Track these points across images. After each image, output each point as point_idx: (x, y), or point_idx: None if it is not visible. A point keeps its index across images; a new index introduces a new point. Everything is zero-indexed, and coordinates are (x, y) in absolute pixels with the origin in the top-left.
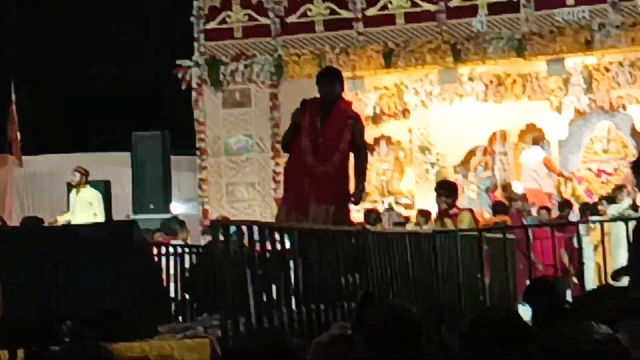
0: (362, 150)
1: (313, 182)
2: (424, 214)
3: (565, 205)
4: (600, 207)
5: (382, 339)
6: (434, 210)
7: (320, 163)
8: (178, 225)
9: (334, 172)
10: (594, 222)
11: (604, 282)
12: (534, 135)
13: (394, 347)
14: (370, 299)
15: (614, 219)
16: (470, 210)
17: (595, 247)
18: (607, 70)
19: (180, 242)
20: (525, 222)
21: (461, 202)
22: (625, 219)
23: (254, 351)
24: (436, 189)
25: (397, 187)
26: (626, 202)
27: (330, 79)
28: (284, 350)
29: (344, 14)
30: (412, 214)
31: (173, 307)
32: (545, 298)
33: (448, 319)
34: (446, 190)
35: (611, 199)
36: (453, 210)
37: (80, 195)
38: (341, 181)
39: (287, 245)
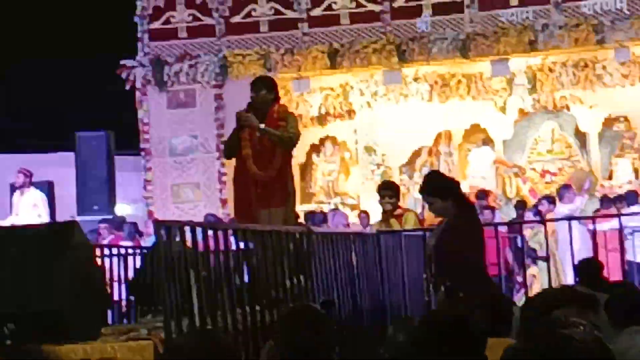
0: (288, 133)
1: (258, 189)
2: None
3: (521, 205)
4: (540, 207)
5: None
6: (377, 210)
7: (262, 169)
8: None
9: (275, 176)
10: (535, 222)
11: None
12: (484, 138)
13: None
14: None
15: (559, 219)
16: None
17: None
18: (551, 70)
19: (129, 243)
20: None
21: (406, 202)
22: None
23: (188, 351)
24: (379, 190)
25: (343, 187)
26: (578, 201)
27: (256, 87)
28: (218, 349)
29: (289, 14)
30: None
31: (118, 309)
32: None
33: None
34: (390, 190)
35: (552, 198)
36: (398, 211)
37: (24, 196)
38: (284, 183)
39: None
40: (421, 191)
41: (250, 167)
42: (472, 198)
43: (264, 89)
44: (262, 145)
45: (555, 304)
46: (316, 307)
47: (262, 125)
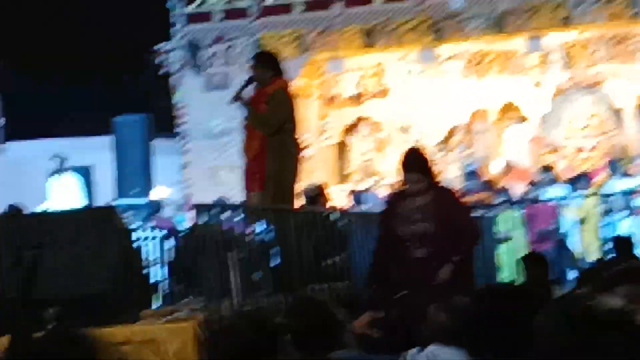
0: (265, 116)
1: (246, 170)
2: None
3: (547, 169)
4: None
5: None
6: None
7: (245, 150)
8: None
9: (253, 159)
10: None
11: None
12: (520, 115)
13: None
14: None
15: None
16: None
17: (582, 221)
18: (586, 46)
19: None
20: None
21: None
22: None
23: (239, 332)
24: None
25: (379, 167)
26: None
27: (254, 64)
28: (268, 330)
29: None
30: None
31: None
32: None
33: None
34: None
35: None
36: None
37: (59, 181)
38: (262, 167)
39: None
40: (410, 169)
41: (242, 147)
42: (512, 175)
43: (260, 66)
44: (247, 126)
45: (618, 282)
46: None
47: (247, 107)
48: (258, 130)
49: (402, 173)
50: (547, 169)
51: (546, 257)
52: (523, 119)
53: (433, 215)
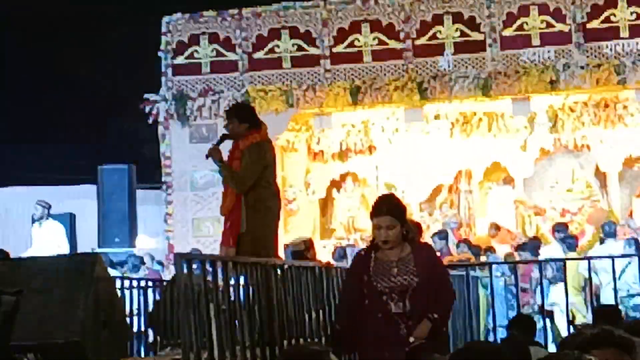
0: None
1: (224, 224)
2: None
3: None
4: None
5: None
6: None
7: (221, 205)
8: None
9: (228, 215)
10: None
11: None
12: (505, 177)
13: None
14: None
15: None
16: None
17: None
18: (572, 110)
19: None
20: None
21: (426, 239)
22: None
23: None
24: None
25: (363, 223)
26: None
27: (228, 116)
28: None
29: (312, 50)
30: None
31: (137, 341)
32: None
33: None
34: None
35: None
36: None
37: (43, 228)
38: (236, 223)
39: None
40: (386, 212)
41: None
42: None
43: (236, 120)
44: (224, 182)
45: (593, 345)
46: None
47: (218, 162)
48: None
49: (372, 219)
50: (535, 239)
51: (533, 320)
52: (508, 180)
53: (414, 269)
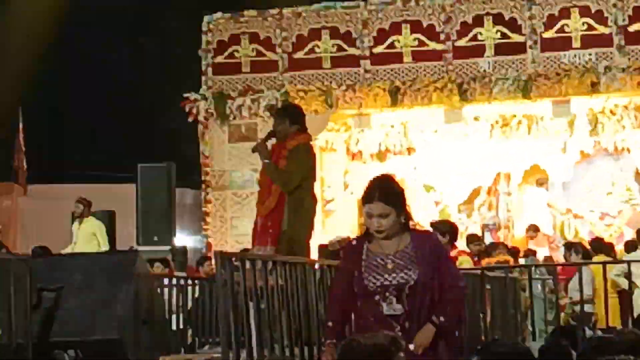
0: (287, 172)
1: (256, 224)
2: None
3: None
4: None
5: None
6: None
7: (260, 203)
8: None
9: (268, 214)
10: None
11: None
12: (538, 178)
13: None
14: None
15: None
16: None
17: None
18: (613, 113)
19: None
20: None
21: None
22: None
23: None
24: (433, 228)
25: None
26: None
27: (279, 117)
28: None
29: (352, 51)
30: None
31: (176, 339)
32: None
33: None
34: (443, 229)
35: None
36: (453, 252)
37: (83, 226)
38: (277, 222)
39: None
40: (377, 198)
41: (257, 199)
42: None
43: (287, 120)
44: (265, 179)
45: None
46: None
47: (266, 160)
48: (275, 186)
49: (363, 206)
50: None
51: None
52: (547, 183)
53: (414, 263)
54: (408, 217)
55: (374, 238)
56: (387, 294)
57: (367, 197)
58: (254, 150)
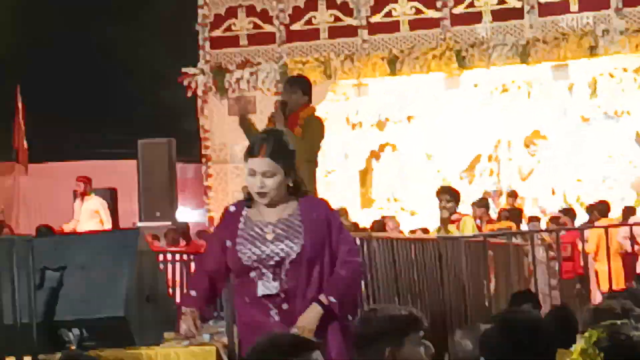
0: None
1: None
2: None
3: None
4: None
5: None
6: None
7: None
8: None
9: None
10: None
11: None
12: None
13: None
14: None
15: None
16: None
17: (595, 254)
18: (612, 76)
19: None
20: None
21: (466, 208)
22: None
23: (270, 350)
24: (438, 195)
25: (402, 193)
26: None
27: (292, 88)
28: (300, 347)
29: (349, 21)
30: (417, 220)
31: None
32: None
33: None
34: (448, 195)
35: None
36: (455, 216)
37: (85, 203)
38: None
39: None
40: (264, 152)
41: None
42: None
43: (299, 91)
44: None
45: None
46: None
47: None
48: None
49: (245, 160)
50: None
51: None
52: (548, 147)
53: (298, 233)
54: (298, 181)
55: (255, 203)
56: (264, 270)
57: (251, 150)
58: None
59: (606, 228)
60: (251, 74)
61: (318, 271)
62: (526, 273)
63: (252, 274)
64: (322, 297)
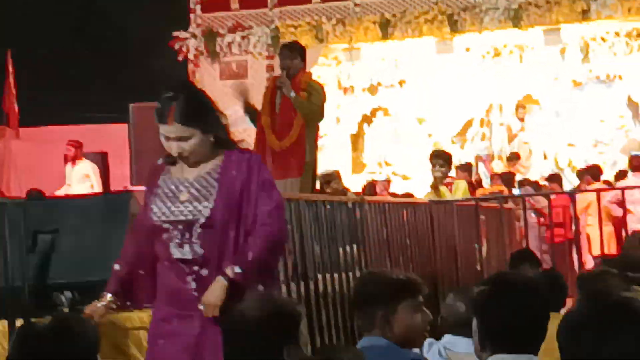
0: (314, 105)
1: (274, 158)
2: None
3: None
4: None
5: None
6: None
7: (278, 138)
8: None
9: (291, 147)
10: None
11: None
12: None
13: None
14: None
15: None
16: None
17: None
18: (604, 40)
19: None
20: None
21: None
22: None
23: (257, 318)
24: (431, 159)
25: (394, 158)
26: None
27: (288, 53)
28: (286, 315)
29: None
30: (409, 184)
31: None
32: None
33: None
34: (441, 159)
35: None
36: (447, 180)
37: (76, 168)
38: (301, 153)
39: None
40: (173, 118)
41: (269, 136)
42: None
43: (299, 57)
44: (283, 115)
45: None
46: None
47: (293, 94)
48: (298, 118)
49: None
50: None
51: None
52: (539, 112)
53: (210, 194)
54: (221, 136)
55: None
56: (176, 232)
57: (159, 117)
58: (279, 86)
59: (598, 192)
60: (242, 37)
61: (234, 236)
62: (518, 237)
63: (164, 235)
64: (227, 269)
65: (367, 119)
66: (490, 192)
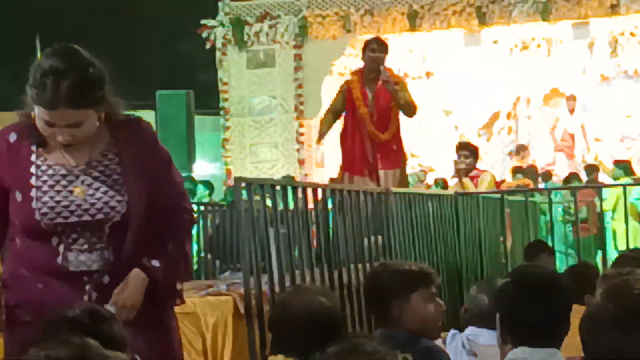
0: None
1: (377, 149)
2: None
3: (593, 169)
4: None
5: None
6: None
7: (380, 130)
8: None
9: (392, 138)
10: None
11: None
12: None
13: None
14: None
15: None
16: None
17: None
18: (633, 35)
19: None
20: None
21: (483, 165)
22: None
23: (300, 318)
24: (457, 151)
25: (420, 149)
26: None
27: (384, 48)
28: (331, 321)
29: None
30: (434, 176)
31: (197, 265)
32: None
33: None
34: (467, 151)
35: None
36: (474, 172)
37: None
38: (399, 145)
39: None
40: (63, 103)
41: (370, 126)
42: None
43: (386, 52)
44: (380, 107)
45: None
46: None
47: (397, 87)
48: (393, 111)
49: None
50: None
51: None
52: (567, 106)
53: (119, 185)
54: (110, 109)
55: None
56: (76, 236)
57: (46, 104)
58: (386, 81)
59: (624, 187)
60: (270, 27)
61: (143, 230)
62: (544, 231)
63: (54, 240)
64: (145, 261)
65: None
66: (516, 185)
